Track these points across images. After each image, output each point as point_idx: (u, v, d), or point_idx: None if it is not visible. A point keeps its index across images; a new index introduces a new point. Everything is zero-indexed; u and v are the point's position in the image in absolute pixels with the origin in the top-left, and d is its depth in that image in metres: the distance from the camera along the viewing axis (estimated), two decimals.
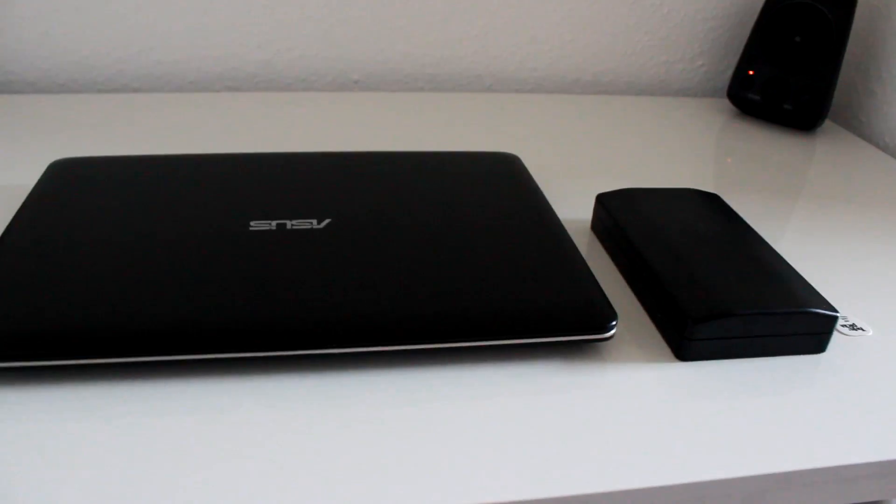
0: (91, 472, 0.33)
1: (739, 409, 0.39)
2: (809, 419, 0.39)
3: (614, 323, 0.41)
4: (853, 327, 0.46)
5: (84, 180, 0.51)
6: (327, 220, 0.47)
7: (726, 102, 0.80)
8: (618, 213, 0.50)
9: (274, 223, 0.47)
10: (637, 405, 0.39)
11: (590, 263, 0.50)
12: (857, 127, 0.78)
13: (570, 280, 0.43)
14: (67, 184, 0.50)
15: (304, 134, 0.66)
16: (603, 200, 0.52)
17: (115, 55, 0.73)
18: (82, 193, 0.49)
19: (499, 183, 0.53)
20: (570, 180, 0.61)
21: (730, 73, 0.83)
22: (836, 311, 0.42)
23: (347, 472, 0.34)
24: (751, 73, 0.73)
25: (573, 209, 0.56)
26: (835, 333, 0.45)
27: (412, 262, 0.44)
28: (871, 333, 0.46)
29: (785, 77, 0.72)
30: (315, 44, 0.76)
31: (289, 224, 0.47)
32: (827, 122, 0.77)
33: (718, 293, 0.42)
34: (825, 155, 0.70)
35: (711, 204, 0.52)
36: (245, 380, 0.38)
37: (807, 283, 0.44)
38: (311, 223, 0.47)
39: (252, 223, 0.46)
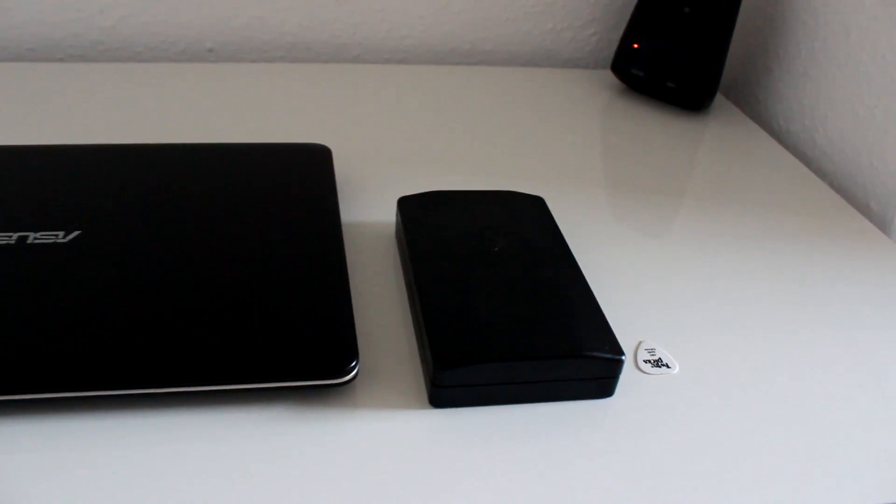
0: None
1: (485, 463, 0.34)
2: (559, 474, 0.33)
3: (354, 365, 0.35)
4: (657, 364, 0.40)
5: None
6: (76, 233, 0.42)
7: None
8: (410, 222, 0.44)
9: (14, 236, 0.41)
10: (365, 458, 0.34)
11: (380, 280, 0.44)
12: (754, 106, 0.71)
13: (316, 315, 0.38)
14: None
15: (145, 112, 0.59)
16: (402, 205, 0.46)
17: None
18: None
19: (291, 186, 0.47)
20: (407, 173, 0.55)
21: None
22: (622, 354, 0.37)
23: None
24: (635, 46, 0.66)
25: (391, 211, 0.50)
26: (634, 372, 0.40)
27: (153, 291, 0.38)
28: (676, 371, 0.40)
29: (670, 52, 0.64)
30: (162, 8, 0.69)
31: (31, 237, 0.41)
32: (722, 101, 0.70)
33: (479, 335, 0.36)
34: (710, 141, 0.64)
35: (528, 212, 0.46)
36: None
37: (600, 319, 0.38)
38: (57, 236, 0.42)
39: None
